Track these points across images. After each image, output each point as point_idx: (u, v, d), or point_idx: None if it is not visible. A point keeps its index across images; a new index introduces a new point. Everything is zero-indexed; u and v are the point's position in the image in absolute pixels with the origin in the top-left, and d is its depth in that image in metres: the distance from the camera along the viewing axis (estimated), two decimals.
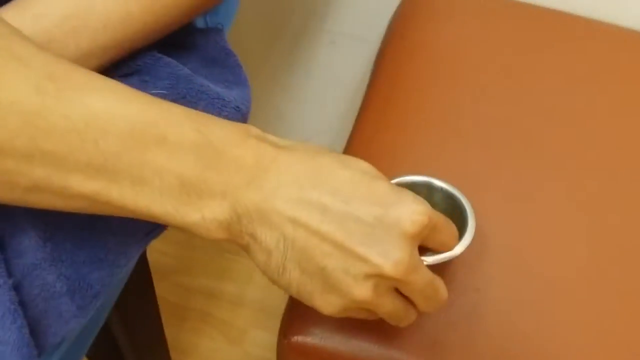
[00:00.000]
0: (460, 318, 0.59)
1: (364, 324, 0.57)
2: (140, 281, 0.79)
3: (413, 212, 0.46)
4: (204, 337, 1.14)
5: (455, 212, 0.56)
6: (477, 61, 0.75)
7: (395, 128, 0.70)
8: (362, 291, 0.46)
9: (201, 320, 1.15)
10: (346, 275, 0.45)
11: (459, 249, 0.54)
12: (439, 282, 0.50)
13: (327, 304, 0.47)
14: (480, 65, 0.75)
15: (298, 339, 0.58)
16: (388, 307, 0.48)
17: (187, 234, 0.46)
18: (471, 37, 0.77)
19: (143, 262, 0.78)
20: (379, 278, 0.46)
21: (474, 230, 0.55)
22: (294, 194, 0.45)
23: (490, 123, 0.70)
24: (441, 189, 0.56)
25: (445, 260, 0.52)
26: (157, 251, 1.19)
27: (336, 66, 1.07)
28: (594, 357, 0.58)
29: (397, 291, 0.48)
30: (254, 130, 0.47)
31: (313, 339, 0.58)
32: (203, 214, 0.44)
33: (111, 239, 0.51)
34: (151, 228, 0.54)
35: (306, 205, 0.45)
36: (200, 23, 0.64)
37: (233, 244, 0.47)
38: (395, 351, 0.58)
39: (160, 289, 1.15)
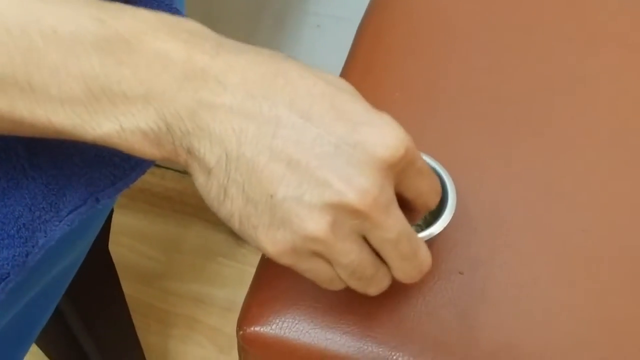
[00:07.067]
0: (441, 305, 0.52)
1: (331, 312, 0.51)
2: (102, 280, 0.73)
3: (388, 135, 0.39)
4: (192, 345, 1.09)
5: None
6: (463, 30, 0.68)
7: (374, 103, 0.63)
8: (317, 225, 0.38)
9: (189, 327, 1.10)
10: (298, 204, 0.38)
11: (437, 227, 0.49)
12: (419, 241, 0.42)
13: (272, 241, 0.39)
14: (467, 35, 0.68)
15: (254, 329, 0.51)
16: (350, 255, 0.40)
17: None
18: (457, 7, 0.70)
19: (103, 258, 0.72)
20: (339, 210, 0.38)
21: (454, 207, 0.50)
22: (240, 101, 0.38)
23: (476, 95, 0.63)
24: None
25: (424, 239, 0.46)
26: (143, 255, 1.15)
27: (322, 50, 1.00)
28: (597, 350, 0.51)
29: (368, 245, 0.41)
30: (188, 23, 0.39)
31: (272, 329, 0.51)
32: (120, 123, 0.37)
33: (24, 212, 0.44)
34: (76, 205, 0.47)
35: (255, 117, 0.38)
36: None
37: (173, 163, 0.40)
38: (366, 342, 0.51)
39: (147, 295, 1.11)
